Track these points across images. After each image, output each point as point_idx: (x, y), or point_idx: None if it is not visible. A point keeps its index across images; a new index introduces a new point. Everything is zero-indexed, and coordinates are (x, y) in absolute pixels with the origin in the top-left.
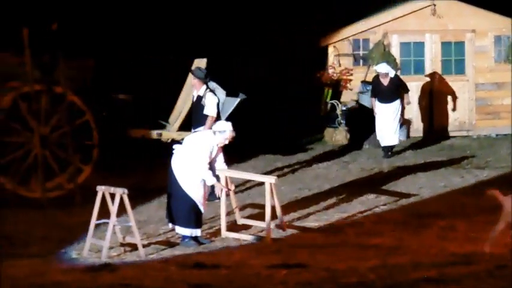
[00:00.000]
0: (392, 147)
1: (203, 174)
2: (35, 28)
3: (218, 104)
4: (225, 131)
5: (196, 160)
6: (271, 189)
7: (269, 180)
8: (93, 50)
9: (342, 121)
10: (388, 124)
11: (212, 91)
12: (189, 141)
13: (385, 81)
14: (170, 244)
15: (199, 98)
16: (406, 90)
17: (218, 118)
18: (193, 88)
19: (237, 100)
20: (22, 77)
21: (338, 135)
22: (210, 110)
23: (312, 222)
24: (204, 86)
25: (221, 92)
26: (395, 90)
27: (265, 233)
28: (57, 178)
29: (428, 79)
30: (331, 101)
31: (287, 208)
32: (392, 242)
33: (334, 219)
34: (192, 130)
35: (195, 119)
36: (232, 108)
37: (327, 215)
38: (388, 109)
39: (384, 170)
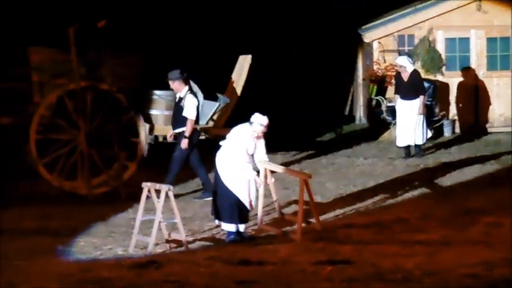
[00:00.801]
0: (419, 146)
1: (241, 167)
2: (82, 25)
3: (198, 107)
4: (258, 123)
5: (234, 154)
6: (305, 186)
7: (303, 176)
8: (140, 47)
9: (387, 117)
10: (408, 123)
11: (193, 93)
12: (229, 137)
13: (405, 76)
14: (216, 240)
15: (180, 99)
16: (422, 89)
17: (197, 120)
18: (175, 90)
19: (217, 104)
20: (69, 75)
21: (383, 131)
22: (188, 112)
23: (357, 219)
24: (186, 88)
25: (200, 95)
26: (415, 87)
27: (296, 231)
28: (102, 175)
29: (473, 74)
30: (376, 97)
31: (332, 205)
32: (438, 238)
33: (380, 215)
34: (173, 131)
35: (175, 120)
36: (213, 111)
37: (372, 212)
38: (408, 106)
39: (430, 166)
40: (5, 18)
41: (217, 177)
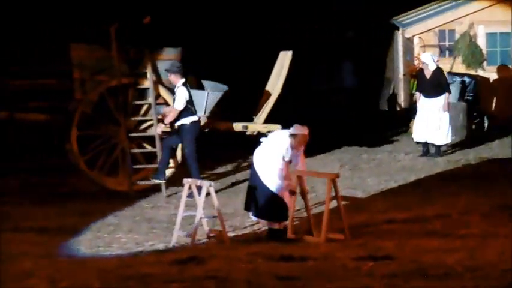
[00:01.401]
0: (439, 147)
1: (277, 173)
2: (123, 22)
3: (188, 99)
4: (296, 134)
5: (272, 157)
6: (333, 186)
7: (330, 176)
8: (180, 42)
9: None
10: (431, 121)
11: (186, 86)
12: (269, 138)
13: (427, 74)
14: (257, 236)
15: (174, 92)
16: (446, 87)
17: (189, 112)
18: (172, 82)
19: (205, 93)
20: (110, 71)
21: None
22: (176, 103)
23: (398, 214)
24: (181, 81)
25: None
26: (438, 85)
27: (322, 231)
28: (143, 171)
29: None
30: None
31: (373, 200)
32: (480, 233)
33: (421, 210)
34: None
35: None
36: (212, 101)
37: (413, 207)
38: (430, 104)
39: (471, 162)
40: (47, 15)
41: (254, 174)
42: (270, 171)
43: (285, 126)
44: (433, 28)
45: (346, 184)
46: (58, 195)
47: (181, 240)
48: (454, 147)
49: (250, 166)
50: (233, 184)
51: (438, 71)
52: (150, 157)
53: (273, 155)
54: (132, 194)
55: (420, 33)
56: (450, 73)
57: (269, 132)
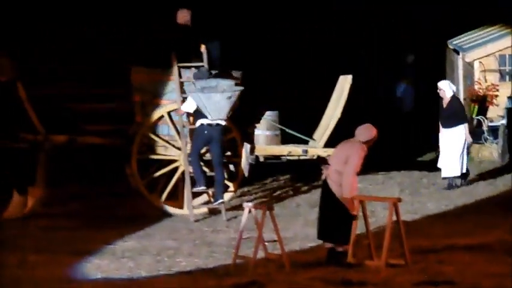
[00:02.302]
0: (462, 176)
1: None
2: (183, 46)
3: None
4: (369, 140)
5: (348, 171)
6: (394, 210)
7: (392, 200)
8: (239, 64)
9: (488, 137)
10: (452, 152)
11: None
12: (340, 154)
13: (444, 102)
14: (316, 260)
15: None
16: (463, 116)
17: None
18: None
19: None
20: (170, 95)
21: (484, 151)
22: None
23: (458, 239)
24: None
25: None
26: (454, 114)
27: (381, 256)
28: (203, 195)
29: None
30: (477, 117)
31: (433, 225)
32: None
33: (481, 236)
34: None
35: None
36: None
37: (474, 232)
38: (448, 134)
39: None
40: (108, 39)
41: (330, 196)
42: (342, 187)
43: None
44: (493, 53)
45: (407, 209)
46: (117, 218)
47: (241, 264)
48: None
49: (322, 185)
50: (293, 208)
51: (454, 99)
52: (211, 181)
53: (349, 167)
54: (192, 217)
55: (480, 58)
56: (511, 98)
57: (329, 156)
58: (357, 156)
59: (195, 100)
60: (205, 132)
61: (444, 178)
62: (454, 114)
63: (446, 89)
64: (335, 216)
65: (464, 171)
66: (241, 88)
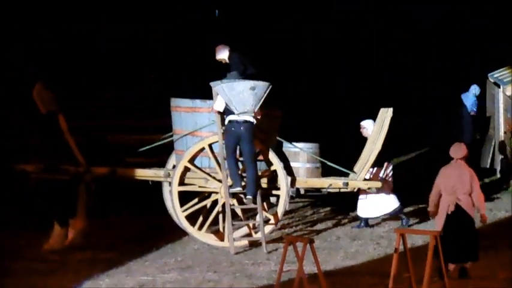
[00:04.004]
0: None
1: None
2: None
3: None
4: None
5: (476, 188)
6: (435, 243)
7: (433, 233)
8: (280, 99)
9: None
10: None
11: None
12: (457, 176)
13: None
14: None
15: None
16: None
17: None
18: None
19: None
20: (211, 127)
21: None
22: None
23: (499, 272)
24: None
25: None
26: None
27: None
28: (244, 227)
29: None
30: None
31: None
32: None
33: None
34: None
35: None
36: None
37: None
38: None
39: None
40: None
41: (467, 219)
42: (477, 206)
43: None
44: None
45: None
46: (158, 250)
47: None
48: None
49: (455, 211)
50: (333, 241)
51: None
52: (253, 214)
53: (477, 187)
54: (233, 250)
55: None
56: None
57: (369, 189)
58: (473, 174)
59: (220, 94)
60: (233, 129)
61: None
62: None
63: (369, 127)
64: (469, 236)
65: None
66: (268, 83)
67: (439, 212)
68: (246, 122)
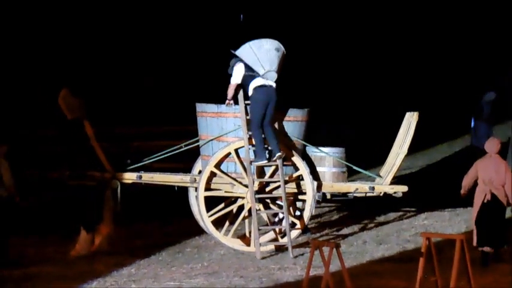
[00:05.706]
0: None
1: None
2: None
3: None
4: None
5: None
6: (461, 247)
7: (459, 237)
8: (305, 103)
9: None
10: None
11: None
12: (494, 169)
13: None
14: None
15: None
16: None
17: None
18: None
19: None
20: (235, 132)
21: None
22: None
23: None
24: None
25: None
26: None
27: None
28: (270, 232)
29: None
30: None
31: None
32: None
33: None
34: None
35: None
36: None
37: None
38: None
39: None
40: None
41: (500, 207)
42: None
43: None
44: None
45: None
46: (184, 255)
47: None
48: None
49: (491, 200)
50: (360, 245)
51: None
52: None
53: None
54: (258, 255)
55: None
56: None
57: (395, 193)
58: (507, 167)
59: (244, 56)
60: (262, 95)
61: None
62: None
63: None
64: (503, 223)
65: None
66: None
67: (475, 201)
68: (271, 86)
